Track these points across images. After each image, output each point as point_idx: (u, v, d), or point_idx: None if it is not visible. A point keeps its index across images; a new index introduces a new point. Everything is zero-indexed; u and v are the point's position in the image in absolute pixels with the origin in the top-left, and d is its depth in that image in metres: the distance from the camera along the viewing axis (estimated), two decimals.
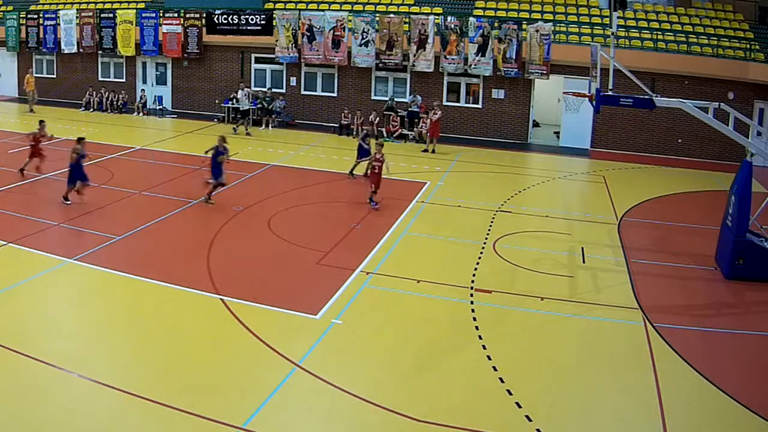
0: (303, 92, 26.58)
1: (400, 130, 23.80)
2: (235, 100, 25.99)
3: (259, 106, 25.10)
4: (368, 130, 19.75)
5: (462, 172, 19.46)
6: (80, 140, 14.93)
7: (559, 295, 10.92)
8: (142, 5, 29.29)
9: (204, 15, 26.73)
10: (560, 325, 10.04)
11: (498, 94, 24.42)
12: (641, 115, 22.36)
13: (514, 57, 23.27)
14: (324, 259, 12.04)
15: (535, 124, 25.54)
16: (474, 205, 15.96)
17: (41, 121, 17.90)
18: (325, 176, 18.38)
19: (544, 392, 8.20)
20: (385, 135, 23.82)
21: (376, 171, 15.14)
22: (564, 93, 17.01)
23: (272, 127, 24.90)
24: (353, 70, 25.48)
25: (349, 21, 24.84)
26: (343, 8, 26.42)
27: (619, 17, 18.36)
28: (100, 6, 29.83)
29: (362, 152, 18.04)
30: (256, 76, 26.93)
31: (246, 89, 25.11)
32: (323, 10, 25.76)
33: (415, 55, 24.19)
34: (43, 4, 31.84)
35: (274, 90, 26.19)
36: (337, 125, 24.80)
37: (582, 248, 13.31)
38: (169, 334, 9.30)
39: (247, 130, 23.89)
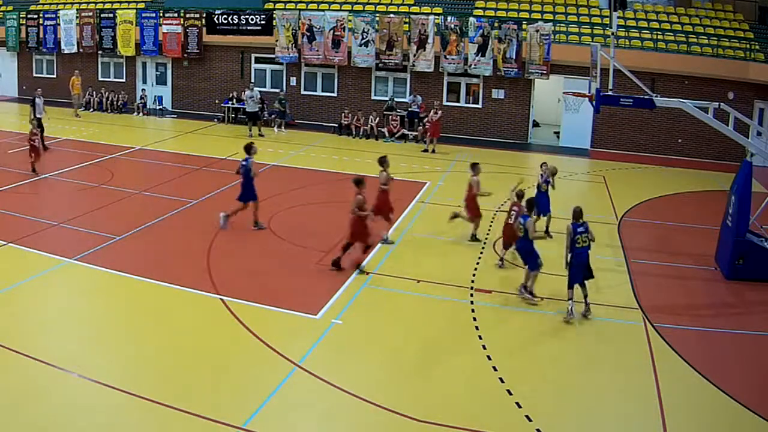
0: (303, 92, 26.58)
1: (401, 131, 23.81)
2: (234, 100, 25.99)
3: (278, 109, 24.86)
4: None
5: (462, 172, 19.37)
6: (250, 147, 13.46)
7: (558, 295, 10.90)
8: (142, 5, 29.28)
9: (204, 15, 26.72)
10: (560, 325, 10.03)
11: (498, 94, 24.41)
12: (641, 115, 22.34)
13: (514, 57, 23.26)
14: (324, 259, 12.03)
15: (535, 124, 25.53)
16: None
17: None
18: (325, 176, 18.37)
19: (544, 392, 8.20)
20: (386, 135, 23.85)
21: (511, 222, 11.85)
22: (564, 93, 17.01)
23: (278, 128, 24.73)
24: (353, 70, 25.48)
25: (349, 21, 24.83)
26: (343, 8, 26.41)
27: (619, 17, 18.34)
28: (100, 6, 29.82)
29: (543, 203, 13.64)
30: (256, 76, 26.91)
31: (255, 90, 24.17)
32: (323, 10, 25.75)
33: (415, 55, 24.19)
34: (43, 4, 31.83)
35: (274, 89, 26.22)
36: (337, 125, 24.80)
37: None
38: (170, 334, 9.30)
39: (260, 131, 23.74)
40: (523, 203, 11.16)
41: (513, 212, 11.80)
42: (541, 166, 14.22)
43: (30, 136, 16.73)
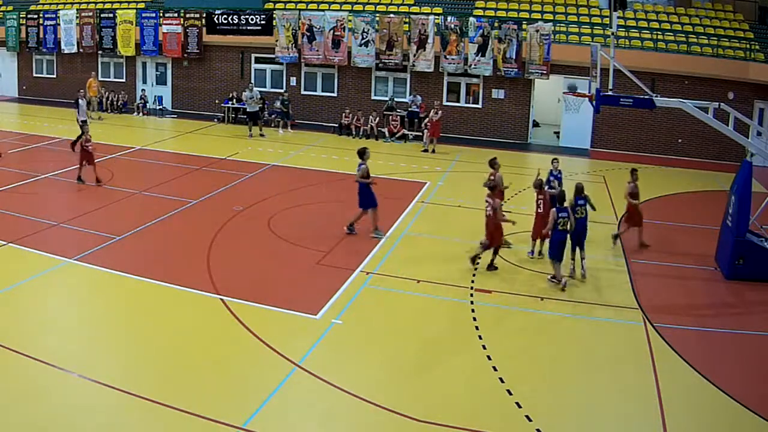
0: (303, 92, 26.57)
1: (402, 131, 23.80)
2: (234, 100, 25.98)
3: (279, 109, 24.84)
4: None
5: (462, 172, 19.44)
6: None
7: (559, 295, 10.91)
8: (142, 5, 29.28)
9: (204, 15, 26.72)
10: (560, 325, 10.04)
11: (498, 94, 24.41)
12: (641, 115, 22.33)
13: (514, 57, 23.25)
14: (324, 259, 12.04)
15: (535, 124, 25.53)
16: (474, 205, 15.93)
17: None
18: (325, 176, 18.35)
19: (544, 392, 8.21)
20: (386, 135, 23.84)
21: (540, 212, 12.32)
22: (564, 93, 17.01)
23: (282, 129, 24.70)
24: (353, 70, 25.47)
25: (349, 21, 24.83)
26: (343, 8, 26.41)
27: (619, 17, 18.32)
28: (100, 6, 29.82)
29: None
30: (256, 76, 26.90)
31: (255, 90, 24.05)
32: (323, 10, 25.75)
33: (415, 55, 24.18)
34: (43, 4, 31.83)
35: (273, 89, 26.19)
36: (337, 125, 24.80)
37: None
38: (169, 334, 9.30)
39: (260, 131, 23.76)
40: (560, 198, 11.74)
41: (540, 201, 12.52)
42: (552, 162, 14.30)
43: (84, 143, 16.25)
